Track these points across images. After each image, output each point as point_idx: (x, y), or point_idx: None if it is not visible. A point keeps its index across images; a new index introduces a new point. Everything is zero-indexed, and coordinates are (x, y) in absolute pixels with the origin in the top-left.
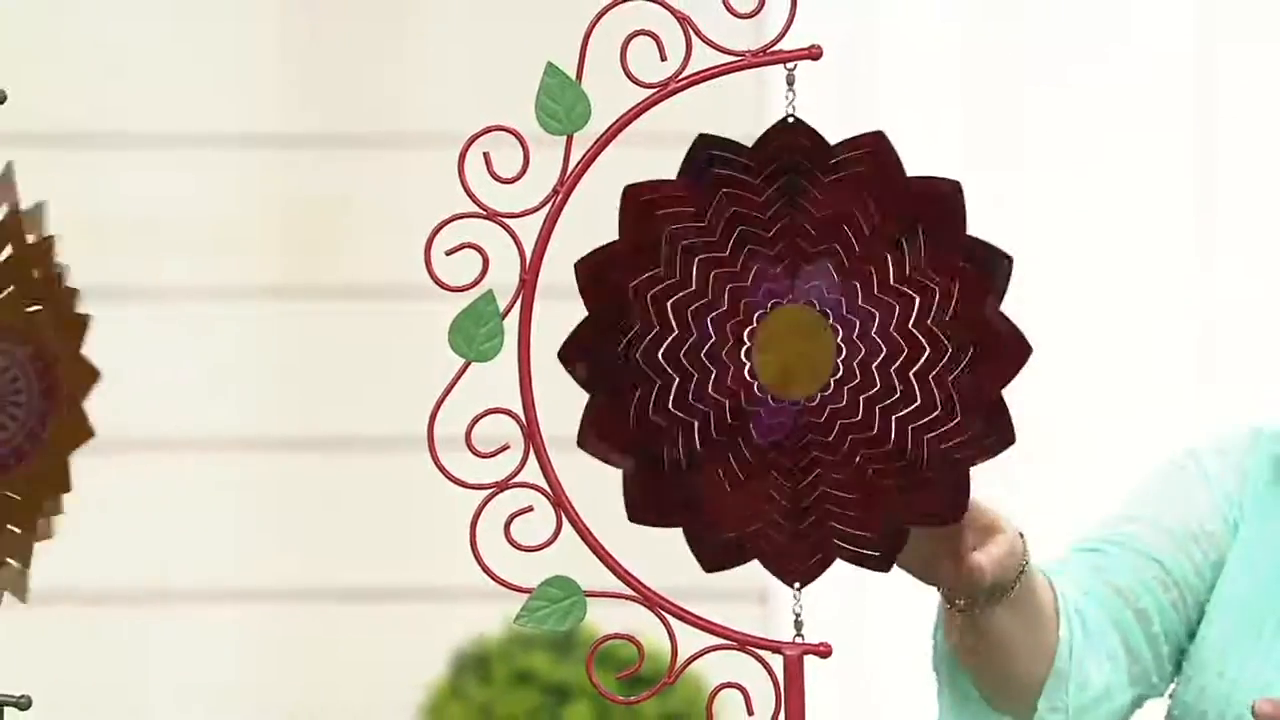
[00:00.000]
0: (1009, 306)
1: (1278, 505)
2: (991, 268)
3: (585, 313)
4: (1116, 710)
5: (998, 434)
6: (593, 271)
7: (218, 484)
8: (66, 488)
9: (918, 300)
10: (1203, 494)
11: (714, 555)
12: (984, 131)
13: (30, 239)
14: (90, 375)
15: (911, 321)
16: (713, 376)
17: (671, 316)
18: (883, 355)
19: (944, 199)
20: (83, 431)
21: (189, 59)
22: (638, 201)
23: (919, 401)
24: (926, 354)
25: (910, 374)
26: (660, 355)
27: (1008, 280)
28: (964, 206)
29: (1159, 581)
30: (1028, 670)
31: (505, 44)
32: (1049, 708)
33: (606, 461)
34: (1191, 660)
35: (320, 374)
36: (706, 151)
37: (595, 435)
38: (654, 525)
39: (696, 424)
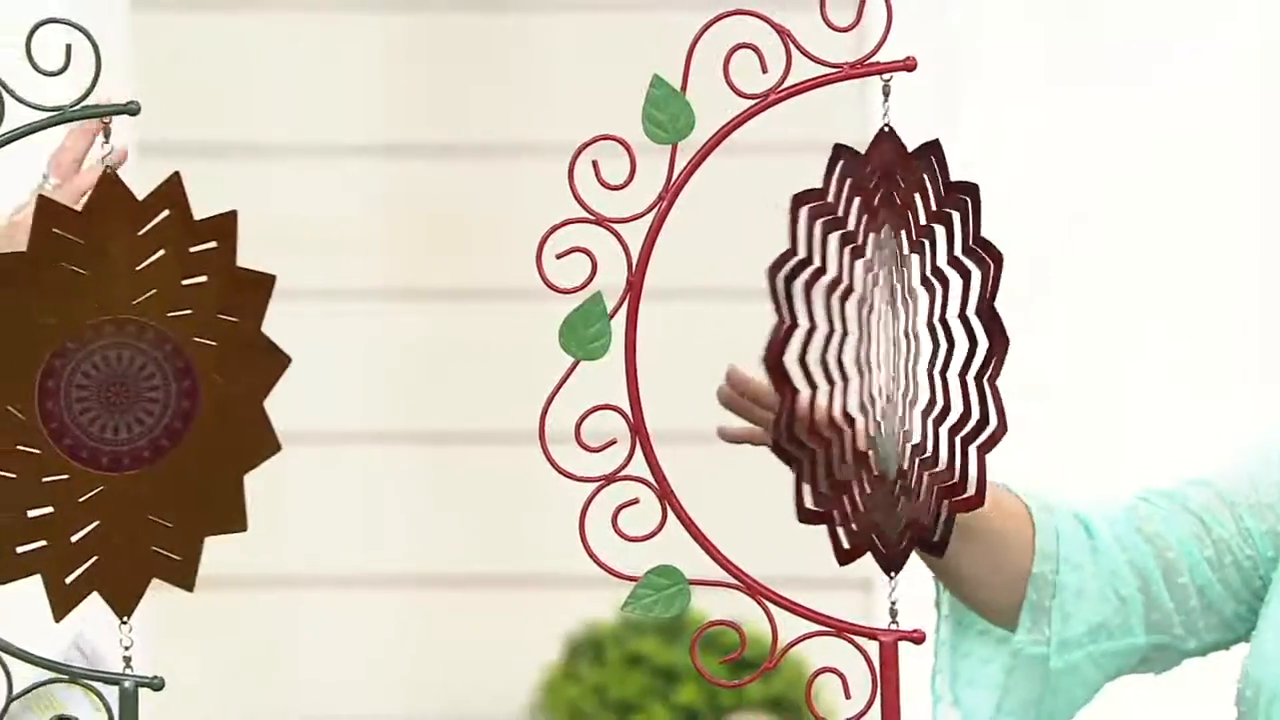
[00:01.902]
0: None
1: None
2: (986, 266)
3: (690, 314)
4: (1120, 650)
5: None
6: (777, 275)
7: (350, 477)
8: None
9: (926, 299)
10: (1271, 470)
11: (847, 548)
12: (1069, 132)
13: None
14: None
15: (921, 319)
16: (869, 378)
17: (848, 318)
18: (906, 352)
19: (967, 200)
20: (268, 445)
21: (320, 77)
22: (804, 208)
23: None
24: (931, 349)
25: (935, 372)
26: (840, 358)
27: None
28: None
29: (1195, 536)
30: (995, 599)
31: (614, 58)
32: (1029, 639)
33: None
34: (1256, 633)
35: (441, 372)
36: (840, 159)
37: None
38: (817, 523)
39: (859, 423)
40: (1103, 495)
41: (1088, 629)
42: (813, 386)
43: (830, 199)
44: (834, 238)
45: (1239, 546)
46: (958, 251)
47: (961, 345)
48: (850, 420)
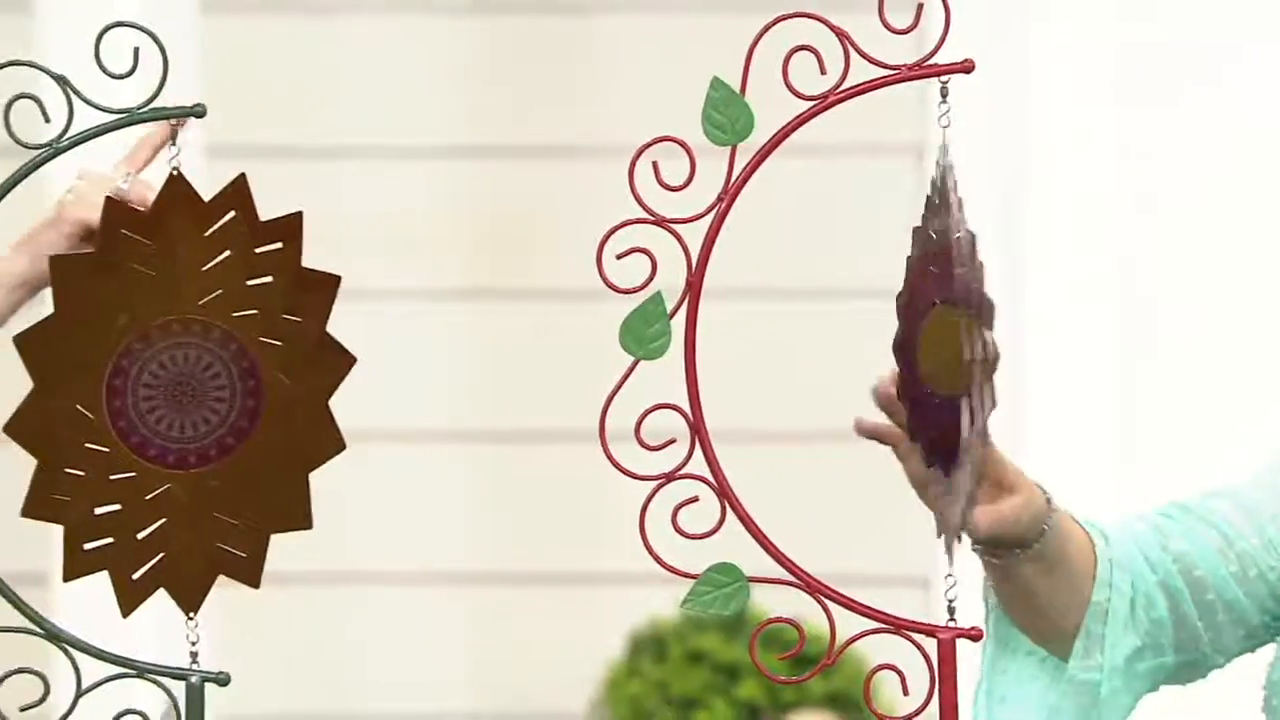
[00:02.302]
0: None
1: None
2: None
3: (749, 314)
4: (1152, 670)
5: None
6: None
7: (414, 475)
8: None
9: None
10: None
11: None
12: (1136, 136)
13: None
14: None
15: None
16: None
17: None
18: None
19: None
20: (333, 443)
21: (386, 80)
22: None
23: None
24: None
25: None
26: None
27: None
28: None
29: (1219, 551)
30: (1057, 624)
31: (675, 60)
32: (1082, 666)
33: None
34: None
35: (503, 371)
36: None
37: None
38: None
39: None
40: (1125, 514)
41: (1128, 653)
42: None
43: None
44: None
45: (1263, 558)
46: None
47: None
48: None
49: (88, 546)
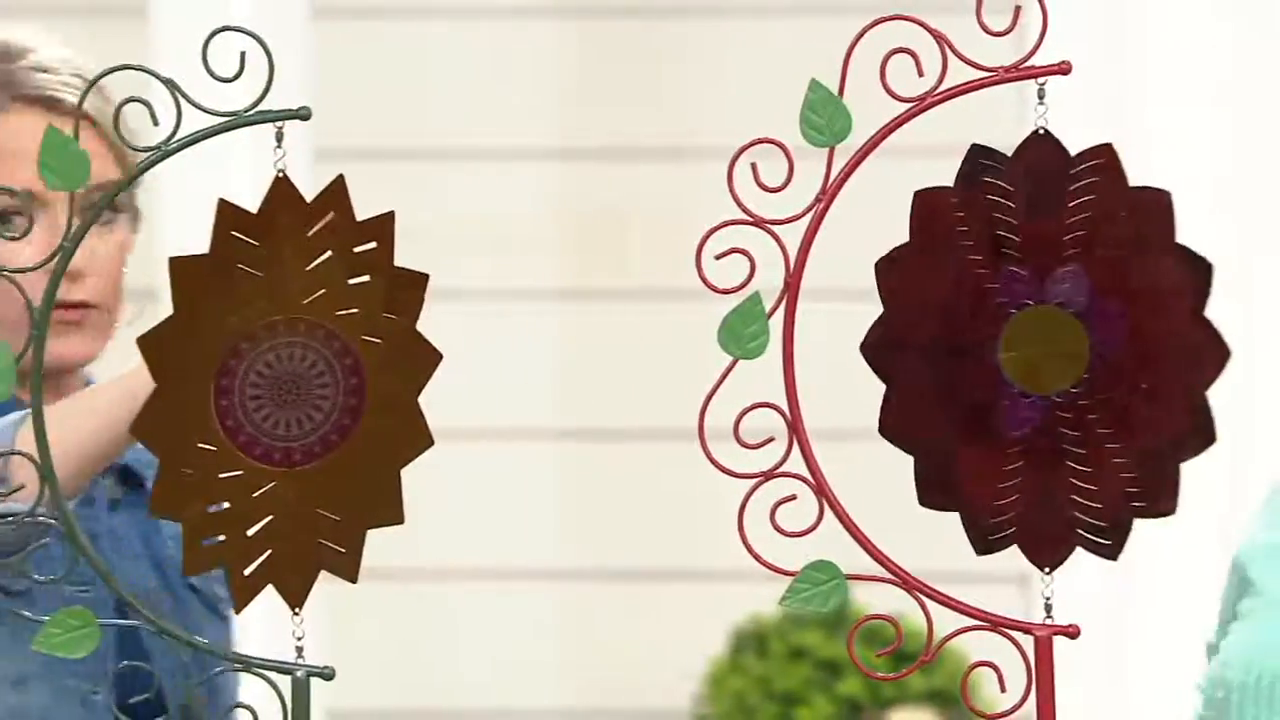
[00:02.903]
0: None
1: None
2: (1196, 273)
3: (846, 313)
4: None
5: (1202, 434)
6: (886, 270)
7: (516, 472)
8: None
9: (1135, 305)
10: None
11: (982, 540)
12: (1236, 136)
13: (361, 247)
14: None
15: (1131, 326)
16: (971, 371)
17: (934, 314)
18: (1110, 357)
19: (1159, 207)
20: (422, 439)
21: (490, 82)
22: (923, 205)
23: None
24: (1145, 357)
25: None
26: (927, 351)
27: (1209, 286)
28: (1174, 214)
29: None
30: None
31: (773, 62)
32: None
33: (906, 451)
34: (1226, 641)
35: (604, 370)
36: (975, 160)
37: (892, 425)
38: (940, 509)
39: (958, 415)
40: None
41: None
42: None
43: (958, 197)
44: (953, 233)
45: None
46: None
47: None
48: None
49: (204, 543)
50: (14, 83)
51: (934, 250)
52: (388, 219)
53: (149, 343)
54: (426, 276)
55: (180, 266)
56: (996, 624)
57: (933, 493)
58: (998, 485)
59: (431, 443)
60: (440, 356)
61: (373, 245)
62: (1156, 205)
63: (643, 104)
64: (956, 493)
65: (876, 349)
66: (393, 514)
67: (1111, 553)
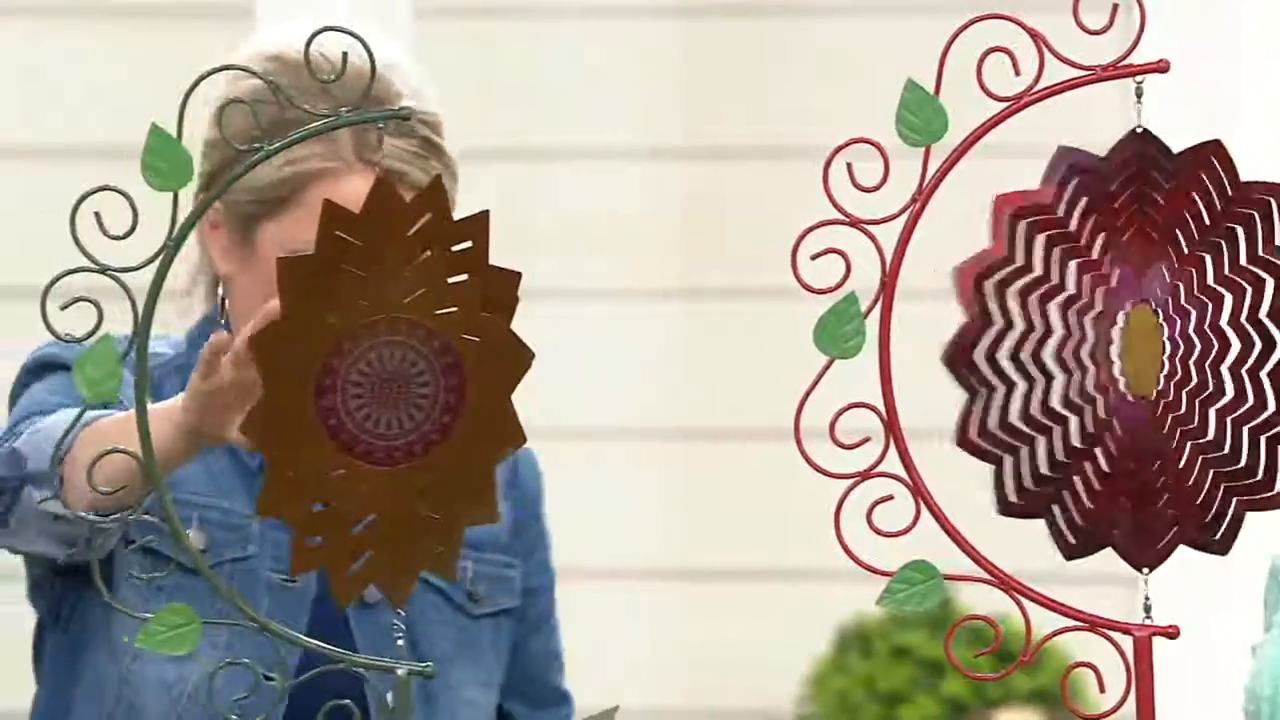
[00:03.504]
0: None
1: None
2: None
3: (948, 313)
4: None
5: None
6: (972, 275)
7: (615, 471)
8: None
9: (1231, 299)
10: None
11: (1073, 543)
12: None
13: (458, 246)
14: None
15: (1226, 319)
16: (1087, 375)
17: (1050, 317)
18: (1200, 351)
19: (1263, 202)
20: (515, 437)
21: (594, 83)
22: (1009, 209)
23: (1234, 394)
24: (1238, 349)
25: (1223, 369)
26: (1040, 355)
27: None
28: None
29: None
30: None
31: (869, 62)
32: None
33: (982, 458)
34: (1259, 657)
35: (701, 369)
36: (1067, 161)
37: (973, 432)
38: (1021, 517)
39: (1072, 420)
40: None
41: None
42: (1007, 384)
43: (1046, 199)
44: (1041, 237)
45: None
46: (1261, 252)
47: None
48: (1058, 417)
49: (309, 543)
50: (362, 144)
51: (1024, 253)
52: (483, 218)
53: (258, 343)
54: (519, 275)
55: (288, 267)
56: (1095, 624)
57: (1016, 502)
58: (1103, 490)
59: (524, 441)
60: (533, 355)
61: (469, 244)
62: (1257, 202)
63: (741, 103)
64: (1059, 500)
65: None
66: (488, 512)
67: (1220, 549)
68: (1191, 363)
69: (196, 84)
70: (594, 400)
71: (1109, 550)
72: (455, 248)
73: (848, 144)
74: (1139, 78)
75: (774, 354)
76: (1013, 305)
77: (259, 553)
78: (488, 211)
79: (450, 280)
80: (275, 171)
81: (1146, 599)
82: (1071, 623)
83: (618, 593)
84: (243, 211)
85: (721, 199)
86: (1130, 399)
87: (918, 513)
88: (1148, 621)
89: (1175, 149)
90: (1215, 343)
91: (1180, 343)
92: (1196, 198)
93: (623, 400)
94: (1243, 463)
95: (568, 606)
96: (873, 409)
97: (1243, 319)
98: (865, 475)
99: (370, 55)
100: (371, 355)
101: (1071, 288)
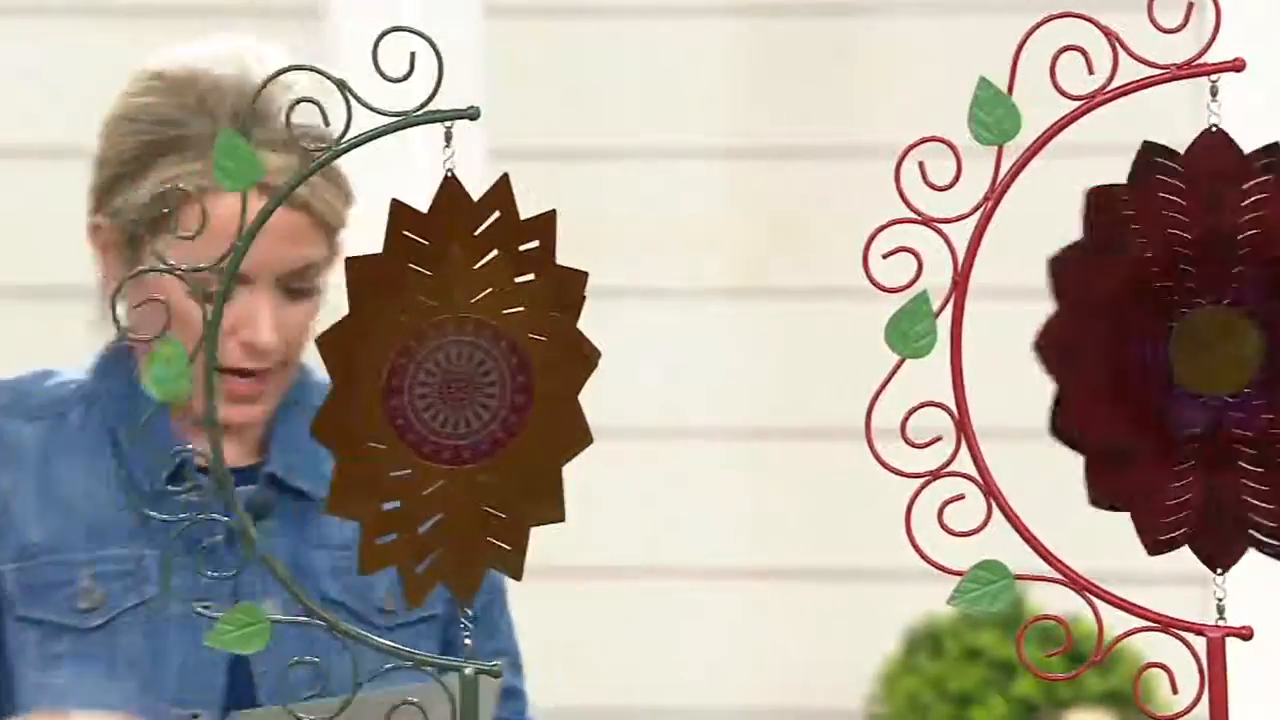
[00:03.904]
0: None
1: None
2: None
3: (1014, 312)
4: None
5: None
6: (1060, 268)
7: (687, 471)
8: (561, 499)
9: None
10: None
11: (1154, 540)
12: None
13: (525, 246)
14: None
15: None
16: (1138, 371)
17: (1106, 313)
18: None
19: None
20: (583, 437)
21: (662, 81)
22: (1096, 202)
23: None
24: None
25: None
26: (1097, 349)
27: None
28: None
29: None
30: None
31: (941, 61)
32: None
33: (1075, 449)
34: None
35: (773, 368)
36: (1147, 158)
37: (1063, 423)
38: (1109, 509)
39: (1130, 415)
40: None
41: None
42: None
43: (1129, 196)
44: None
45: None
46: None
47: None
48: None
49: (379, 542)
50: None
51: (1107, 249)
52: (549, 217)
53: (327, 343)
54: (586, 275)
55: (356, 266)
56: (1167, 625)
57: (1104, 493)
58: (1170, 485)
59: (591, 441)
60: (599, 354)
61: (536, 244)
62: None
63: (813, 102)
64: (1128, 493)
65: (1049, 348)
66: (555, 512)
67: None
68: (1273, 367)
69: (266, 84)
70: (666, 400)
71: (1184, 549)
72: (522, 247)
73: (920, 142)
74: (1214, 76)
75: (845, 353)
76: (1092, 298)
77: (159, 590)
78: (554, 211)
79: (517, 280)
80: (154, 189)
81: (1220, 599)
82: (1144, 623)
83: (691, 592)
84: (128, 231)
85: (793, 198)
86: (1198, 398)
87: (989, 512)
88: (1221, 622)
89: (1248, 148)
90: None
91: (1267, 347)
92: (1269, 199)
93: (694, 400)
94: None
95: (638, 607)
96: (944, 408)
97: None
98: (936, 474)
99: (438, 53)
100: (439, 355)
101: (1146, 284)
